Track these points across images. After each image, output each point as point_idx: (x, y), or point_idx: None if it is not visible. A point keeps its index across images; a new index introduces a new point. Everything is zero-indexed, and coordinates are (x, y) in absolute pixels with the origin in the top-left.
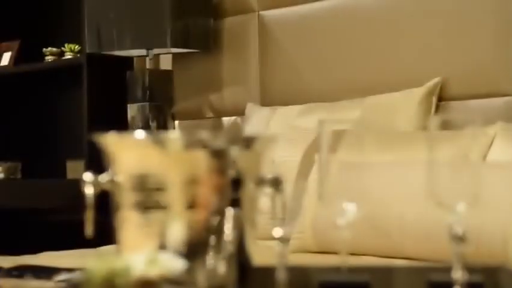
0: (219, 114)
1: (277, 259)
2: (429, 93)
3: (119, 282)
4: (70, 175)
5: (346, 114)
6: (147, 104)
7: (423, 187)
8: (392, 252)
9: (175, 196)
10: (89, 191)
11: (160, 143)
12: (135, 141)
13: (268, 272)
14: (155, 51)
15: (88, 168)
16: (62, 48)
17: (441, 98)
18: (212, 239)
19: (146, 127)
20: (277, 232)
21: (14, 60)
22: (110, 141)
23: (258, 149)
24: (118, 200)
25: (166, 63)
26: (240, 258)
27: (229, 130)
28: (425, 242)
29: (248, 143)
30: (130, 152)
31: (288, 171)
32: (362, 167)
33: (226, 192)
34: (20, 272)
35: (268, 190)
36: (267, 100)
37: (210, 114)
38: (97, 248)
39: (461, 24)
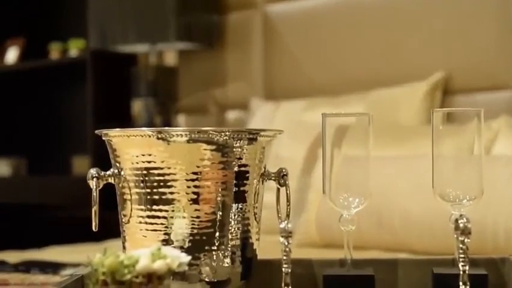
0: (223, 109)
1: (282, 253)
2: (433, 87)
3: (124, 276)
4: (76, 171)
5: (350, 108)
6: (151, 99)
7: (428, 181)
8: (396, 246)
9: (180, 190)
10: (94, 186)
11: (164, 138)
12: (140, 136)
13: (273, 266)
14: (160, 46)
15: (93, 163)
16: (67, 44)
17: (446, 92)
18: (217, 233)
19: (150, 122)
20: (282, 226)
21: (19, 57)
22: (115, 136)
23: (262, 143)
24: (123, 194)
25: (170, 59)
26: (245, 252)
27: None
28: (429, 236)
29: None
30: (134, 147)
31: (293, 166)
32: (366, 162)
33: (230, 187)
34: (26, 266)
35: (272, 184)
36: (271, 95)
37: (214, 109)
38: (102, 242)
39: (464, 18)
